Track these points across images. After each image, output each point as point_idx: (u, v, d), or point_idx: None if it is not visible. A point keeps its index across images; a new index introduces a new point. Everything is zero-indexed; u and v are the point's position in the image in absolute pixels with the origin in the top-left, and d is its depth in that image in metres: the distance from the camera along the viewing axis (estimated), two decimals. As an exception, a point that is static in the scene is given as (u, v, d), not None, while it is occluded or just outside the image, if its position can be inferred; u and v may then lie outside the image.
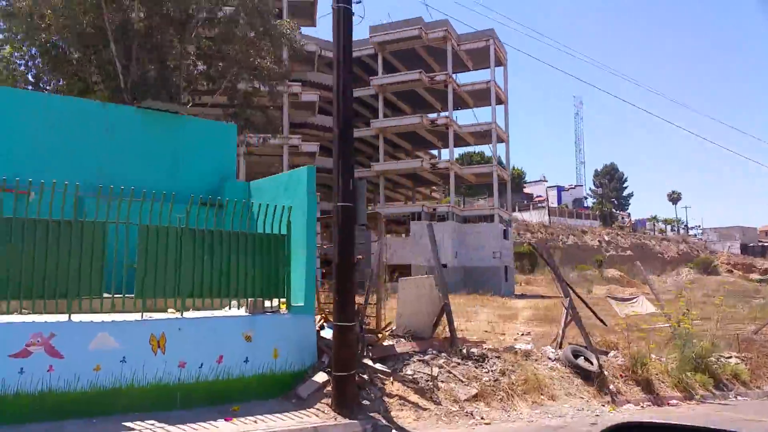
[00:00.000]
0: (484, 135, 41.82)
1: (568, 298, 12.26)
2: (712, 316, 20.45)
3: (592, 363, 10.55)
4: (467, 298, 30.11)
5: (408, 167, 38.38)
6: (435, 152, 49.16)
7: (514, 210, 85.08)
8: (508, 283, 40.03)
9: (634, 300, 15.01)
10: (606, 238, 76.53)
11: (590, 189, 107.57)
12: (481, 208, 42.72)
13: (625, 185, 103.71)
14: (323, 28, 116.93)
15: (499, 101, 43.33)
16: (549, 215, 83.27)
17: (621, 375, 10.96)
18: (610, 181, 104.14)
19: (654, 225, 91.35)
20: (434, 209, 37.54)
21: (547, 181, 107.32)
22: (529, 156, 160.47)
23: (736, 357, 14.20)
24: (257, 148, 30.77)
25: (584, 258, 65.16)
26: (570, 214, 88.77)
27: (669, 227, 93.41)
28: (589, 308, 14.50)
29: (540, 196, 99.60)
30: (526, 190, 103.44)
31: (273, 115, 20.12)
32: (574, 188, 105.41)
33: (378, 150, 40.86)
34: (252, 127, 19.29)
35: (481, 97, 42.16)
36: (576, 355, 10.60)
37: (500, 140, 43.01)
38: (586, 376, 10.33)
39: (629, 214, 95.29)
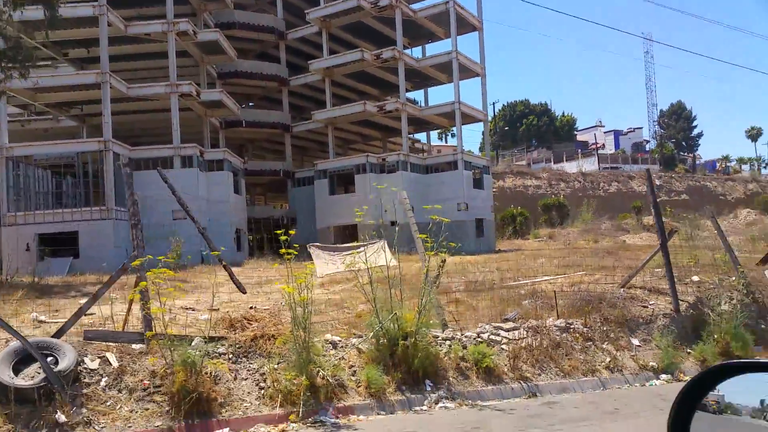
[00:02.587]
0: (462, 70, 35.32)
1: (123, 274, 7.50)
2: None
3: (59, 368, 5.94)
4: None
5: (351, 113, 33.22)
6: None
7: (561, 160, 77.20)
8: (484, 239, 34.35)
9: (359, 250, 9.97)
10: (657, 182, 67.19)
11: (653, 132, 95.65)
12: (443, 154, 36.85)
13: (693, 125, 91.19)
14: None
15: (472, 27, 36.71)
16: (599, 162, 74.71)
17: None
18: (677, 121, 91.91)
19: (725, 165, 79.37)
20: (383, 159, 32.38)
21: (603, 126, 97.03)
22: (590, 102, 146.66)
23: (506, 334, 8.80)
24: (137, 101, 27.24)
25: (629, 206, 57.45)
26: (625, 159, 79.45)
27: (747, 167, 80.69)
28: (226, 268, 9.70)
29: (595, 143, 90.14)
30: (579, 138, 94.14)
31: (28, 43, 16.01)
32: (633, 131, 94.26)
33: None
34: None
35: (458, 25, 35.45)
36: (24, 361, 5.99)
37: (473, 74, 36.57)
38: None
39: (696, 156, 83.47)
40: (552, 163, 77.73)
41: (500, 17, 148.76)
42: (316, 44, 35.87)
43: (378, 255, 9.49)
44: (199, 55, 30.57)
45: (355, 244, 10.48)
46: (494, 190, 53.83)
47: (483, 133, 37.57)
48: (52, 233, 23.83)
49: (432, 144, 53.59)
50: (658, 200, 11.24)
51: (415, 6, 35.76)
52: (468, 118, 36.21)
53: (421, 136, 45.84)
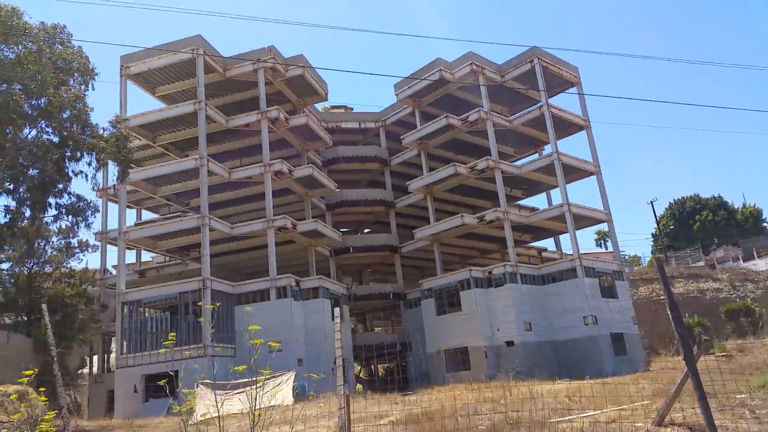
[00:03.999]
0: (571, 171, 32.88)
1: None
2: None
3: None
4: (498, 385, 21.38)
5: (452, 227, 31.94)
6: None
7: (752, 257, 66.30)
8: (626, 357, 29.21)
9: (255, 386, 8.10)
10: None
11: None
12: (559, 261, 32.91)
13: None
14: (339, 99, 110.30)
15: (578, 127, 34.52)
16: (799, 256, 62.41)
17: None
18: None
19: None
20: (489, 273, 30.02)
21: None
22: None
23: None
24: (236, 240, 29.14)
25: (841, 311, 45.91)
26: (837, 250, 65.41)
27: None
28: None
29: (793, 234, 76.36)
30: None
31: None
32: (842, 215, 78.21)
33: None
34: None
35: (561, 127, 33.85)
36: None
37: (585, 173, 33.63)
38: None
39: None
40: (741, 261, 66.53)
41: (658, 113, 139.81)
42: (419, 165, 36.30)
43: (274, 394, 7.80)
44: (302, 191, 32.49)
45: (253, 379, 8.84)
46: (660, 297, 46.70)
47: (613, 233, 33.35)
48: (156, 374, 25.09)
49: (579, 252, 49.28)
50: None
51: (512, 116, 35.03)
52: (585, 220, 32.78)
53: (563, 242, 42.44)
